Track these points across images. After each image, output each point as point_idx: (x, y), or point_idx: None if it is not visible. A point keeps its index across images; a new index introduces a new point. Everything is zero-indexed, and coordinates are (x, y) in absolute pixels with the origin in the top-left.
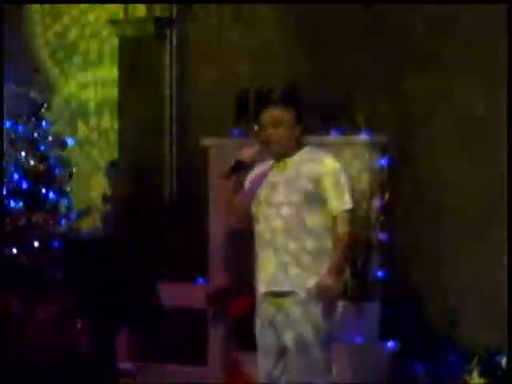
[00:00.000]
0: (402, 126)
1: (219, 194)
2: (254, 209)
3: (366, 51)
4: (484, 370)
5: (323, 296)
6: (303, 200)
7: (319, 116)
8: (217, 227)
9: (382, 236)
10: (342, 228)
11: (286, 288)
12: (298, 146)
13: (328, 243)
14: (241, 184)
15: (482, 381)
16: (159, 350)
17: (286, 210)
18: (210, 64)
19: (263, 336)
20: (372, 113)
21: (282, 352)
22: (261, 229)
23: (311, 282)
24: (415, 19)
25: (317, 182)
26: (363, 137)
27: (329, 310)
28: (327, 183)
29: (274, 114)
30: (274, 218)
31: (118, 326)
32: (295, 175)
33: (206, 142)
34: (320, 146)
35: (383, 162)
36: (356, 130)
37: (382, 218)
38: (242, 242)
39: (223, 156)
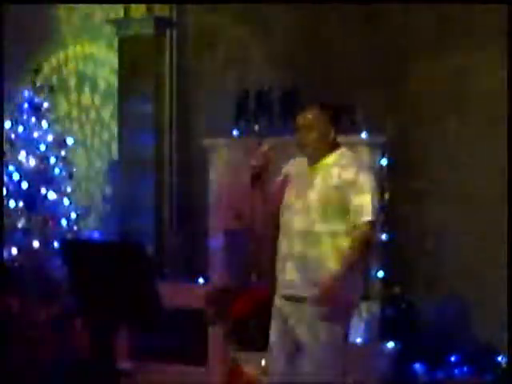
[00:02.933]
0: (402, 126)
1: (219, 194)
2: (280, 209)
3: (366, 51)
4: (484, 371)
5: (323, 299)
6: (325, 207)
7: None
8: (217, 227)
9: (382, 236)
10: (358, 238)
11: (302, 293)
12: (332, 147)
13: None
14: (266, 186)
15: (481, 381)
16: (159, 350)
17: (307, 216)
18: (210, 64)
19: (277, 335)
20: (372, 113)
21: (294, 352)
22: (282, 232)
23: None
24: (416, 19)
25: (342, 189)
26: (363, 137)
27: (345, 312)
28: (352, 192)
29: (308, 116)
30: (295, 222)
31: (118, 326)
32: (322, 181)
33: (206, 142)
34: None
35: (383, 161)
36: (356, 129)
37: (381, 217)
38: (242, 242)
39: (223, 156)
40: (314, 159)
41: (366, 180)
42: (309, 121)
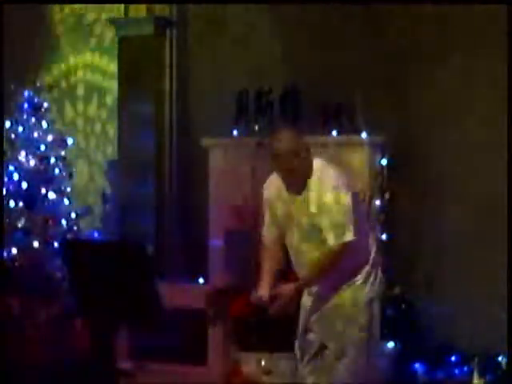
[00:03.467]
0: (402, 126)
1: (219, 194)
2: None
3: (366, 51)
4: (484, 371)
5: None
6: (305, 233)
7: (319, 116)
8: (217, 227)
9: (382, 236)
10: (330, 258)
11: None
12: (310, 168)
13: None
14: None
15: (481, 381)
16: (159, 349)
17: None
18: (210, 64)
19: (302, 335)
20: (372, 113)
21: (317, 352)
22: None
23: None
24: (416, 19)
25: (318, 214)
26: (363, 137)
27: (371, 319)
28: (325, 215)
29: (287, 144)
30: (296, 253)
31: (118, 326)
32: (299, 209)
33: (206, 142)
34: (320, 146)
35: (383, 161)
36: (356, 129)
37: (382, 217)
38: (242, 242)
39: (223, 156)
40: (298, 187)
41: (340, 200)
42: (290, 149)
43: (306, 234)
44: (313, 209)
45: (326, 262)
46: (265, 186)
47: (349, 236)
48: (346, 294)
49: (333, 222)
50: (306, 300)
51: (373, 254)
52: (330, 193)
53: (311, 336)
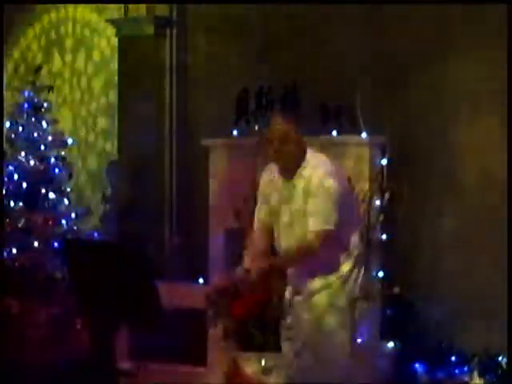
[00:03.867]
0: (402, 126)
1: (219, 194)
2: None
3: (366, 51)
4: (484, 371)
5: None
6: (292, 220)
7: (319, 116)
8: (217, 227)
9: (382, 236)
10: (307, 243)
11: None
12: (303, 156)
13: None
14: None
15: (481, 381)
16: (159, 349)
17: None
18: (210, 64)
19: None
20: (372, 113)
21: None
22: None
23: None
24: (416, 19)
25: (305, 199)
26: (363, 137)
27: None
28: (310, 200)
29: (281, 128)
30: (282, 241)
31: (118, 326)
32: (289, 194)
33: (206, 142)
34: (320, 146)
35: (383, 161)
36: (356, 130)
37: (382, 217)
38: (242, 242)
39: (223, 156)
40: (290, 173)
41: (325, 187)
42: (283, 133)
43: (293, 218)
44: (300, 194)
45: (303, 246)
46: (263, 172)
47: (327, 225)
48: (323, 292)
49: (316, 208)
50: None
51: (357, 252)
52: (318, 180)
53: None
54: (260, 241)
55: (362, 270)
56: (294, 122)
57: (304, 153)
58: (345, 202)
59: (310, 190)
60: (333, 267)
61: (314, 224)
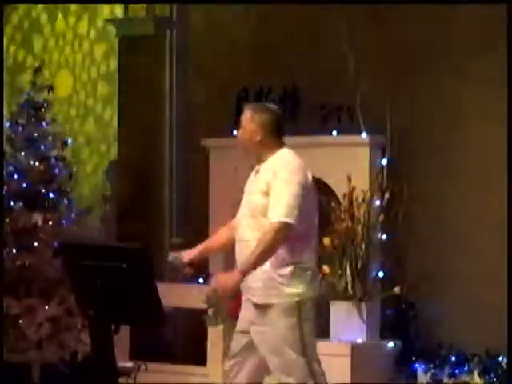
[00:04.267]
0: (402, 125)
1: (219, 194)
2: None
3: (367, 51)
4: (484, 370)
5: (220, 289)
6: (251, 215)
7: (319, 116)
8: (217, 227)
9: (382, 236)
10: (267, 234)
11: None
12: (270, 151)
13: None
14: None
15: (481, 381)
16: (159, 349)
17: (242, 226)
18: (210, 64)
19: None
20: (372, 113)
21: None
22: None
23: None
24: (417, 19)
25: (265, 194)
26: (363, 137)
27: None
28: (272, 193)
29: (242, 117)
30: (239, 231)
31: (118, 326)
32: (252, 188)
33: (206, 142)
34: (320, 146)
35: (383, 161)
36: (356, 129)
37: (381, 217)
38: None
39: (223, 156)
40: (257, 161)
41: (283, 180)
42: (242, 121)
43: (252, 212)
44: (262, 187)
45: (262, 239)
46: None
47: (287, 217)
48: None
49: (276, 201)
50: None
51: (306, 257)
52: (279, 174)
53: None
54: (219, 235)
55: (311, 274)
56: (254, 113)
57: (272, 147)
58: (306, 199)
59: (271, 184)
60: (294, 262)
61: (274, 216)
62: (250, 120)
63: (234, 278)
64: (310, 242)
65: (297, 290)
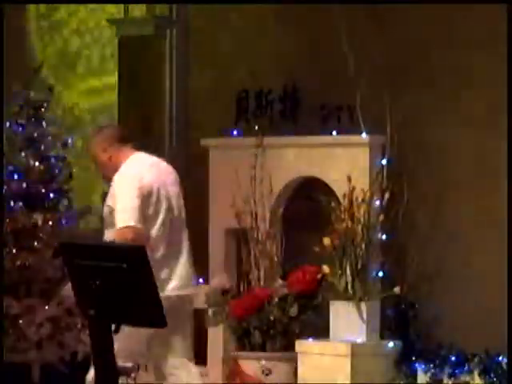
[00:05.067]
0: (402, 126)
1: (219, 194)
2: None
3: (367, 51)
4: (484, 370)
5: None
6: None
7: (319, 116)
8: (217, 227)
9: (382, 236)
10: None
11: None
12: (119, 165)
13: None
14: None
15: (481, 381)
16: None
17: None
18: (209, 64)
19: None
20: (372, 113)
21: None
22: None
23: None
24: (417, 19)
25: (112, 204)
26: (363, 137)
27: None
28: (117, 200)
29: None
30: None
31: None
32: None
33: (206, 142)
34: (320, 146)
35: (383, 161)
36: (356, 129)
37: (381, 217)
38: (242, 242)
39: (223, 156)
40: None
41: (118, 188)
42: (90, 154)
43: (110, 219)
44: (112, 196)
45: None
46: None
47: (130, 222)
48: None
49: (119, 207)
50: None
51: (160, 253)
52: (120, 181)
53: None
54: None
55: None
56: (97, 136)
57: (118, 162)
58: (150, 202)
59: (115, 192)
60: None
61: (119, 222)
62: (97, 143)
63: None
64: None
65: None
